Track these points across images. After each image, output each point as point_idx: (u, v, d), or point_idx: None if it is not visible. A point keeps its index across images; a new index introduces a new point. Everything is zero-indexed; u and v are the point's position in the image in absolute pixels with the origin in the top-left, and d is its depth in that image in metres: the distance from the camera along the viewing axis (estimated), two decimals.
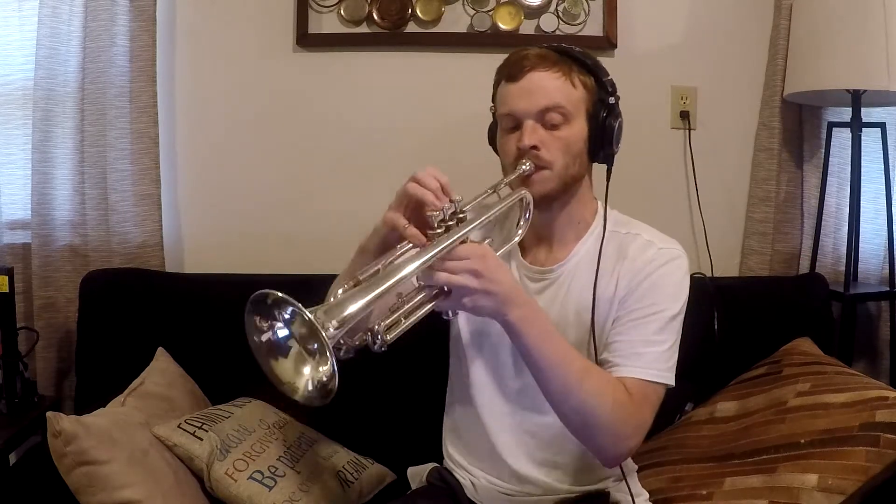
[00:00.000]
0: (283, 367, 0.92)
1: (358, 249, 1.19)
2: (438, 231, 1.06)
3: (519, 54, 1.24)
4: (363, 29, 2.00)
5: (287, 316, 0.89)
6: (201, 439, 1.45)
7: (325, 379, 0.89)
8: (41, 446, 1.40)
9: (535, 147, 1.20)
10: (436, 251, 1.04)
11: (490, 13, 1.99)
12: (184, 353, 1.71)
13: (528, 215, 1.23)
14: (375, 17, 1.98)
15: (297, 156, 2.04)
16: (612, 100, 1.24)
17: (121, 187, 1.91)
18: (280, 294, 0.88)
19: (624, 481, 1.27)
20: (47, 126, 1.89)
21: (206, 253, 2.04)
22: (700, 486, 1.48)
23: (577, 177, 1.26)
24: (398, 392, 1.73)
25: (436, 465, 1.42)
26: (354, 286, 1.00)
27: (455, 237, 1.06)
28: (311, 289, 1.74)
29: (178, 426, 1.47)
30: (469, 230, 1.10)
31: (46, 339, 1.91)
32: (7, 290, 1.72)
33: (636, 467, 1.40)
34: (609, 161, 1.27)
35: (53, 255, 1.93)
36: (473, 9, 1.99)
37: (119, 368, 1.67)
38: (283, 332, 0.90)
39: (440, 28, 2.00)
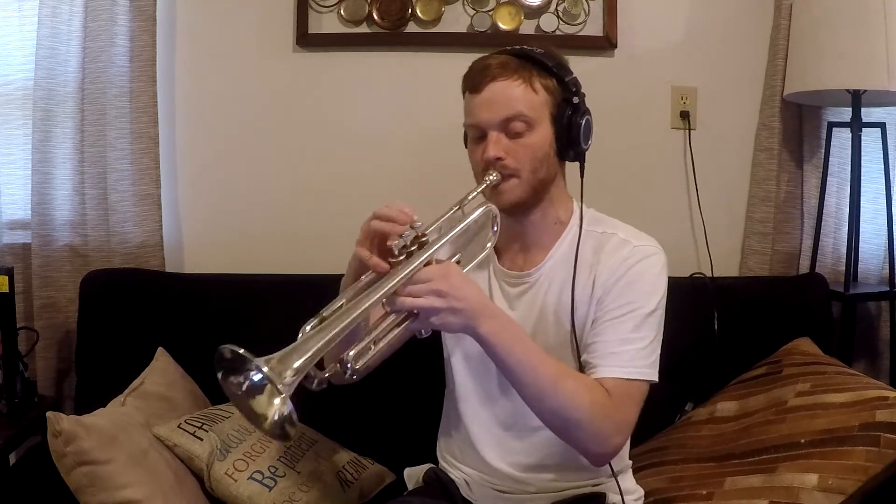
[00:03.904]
0: (258, 402, 0.94)
1: (340, 287, 1.20)
2: (401, 259, 1.07)
3: (481, 64, 1.25)
4: (363, 29, 2.00)
5: (250, 365, 0.90)
6: (201, 439, 1.45)
7: (285, 416, 0.91)
8: (41, 446, 1.40)
9: (499, 158, 1.21)
10: (396, 280, 1.05)
11: (490, 13, 1.99)
12: (184, 353, 1.71)
13: (495, 228, 1.24)
14: (375, 17, 1.98)
15: (297, 155, 2.04)
16: (576, 99, 1.24)
17: (121, 187, 1.91)
18: (234, 349, 0.90)
19: (615, 479, 1.27)
20: (47, 126, 1.89)
21: (206, 253, 2.04)
22: (700, 486, 1.48)
23: (547, 180, 1.26)
24: (398, 393, 1.73)
25: (432, 465, 1.43)
26: (319, 322, 1.02)
27: (416, 262, 1.07)
28: (311, 288, 1.75)
29: (178, 426, 1.47)
30: (431, 253, 1.10)
31: (46, 339, 1.91)
32: (7, 290, 1.72)
33: (630, 464, 1.40)
34: (581, 159, 1.28)
35: (53, 255, 1.93)
36: (473, 9, 2.00)
37: (119, 368, 1.67)
38: (258, 377, 0.92)
39: (440, 28, 2.00)
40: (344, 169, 2.03)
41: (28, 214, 1.92)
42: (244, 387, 0.93)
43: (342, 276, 1.23)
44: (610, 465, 1.25)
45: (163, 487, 1.34)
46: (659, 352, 1.22)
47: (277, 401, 0.91)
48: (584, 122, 1.25)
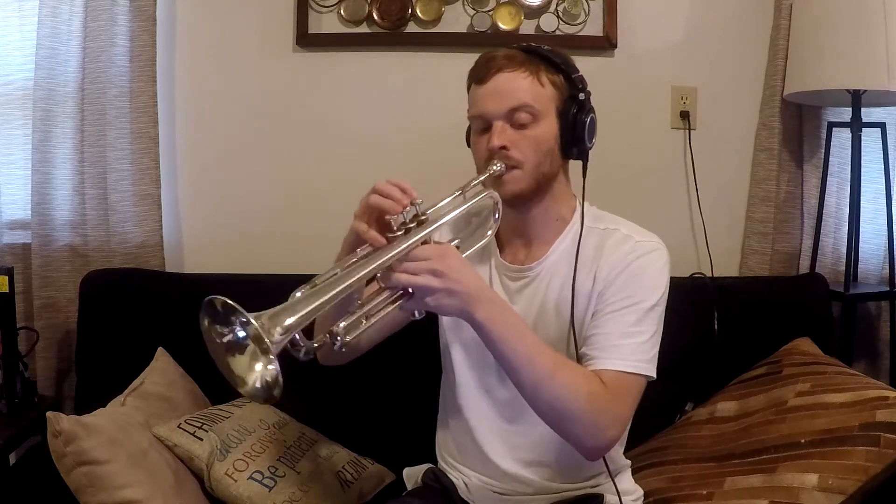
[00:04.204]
0: (238, 363, 0.94)
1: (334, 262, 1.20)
2: (399, 234, 1.07)
3: (487, 56, 1.25)
4: (363, 29, 2.00)
5: (240, 319, 0.91)
6: (201, 439, 1.45)
7: (269, 380, 0.91)
8: (41, 446, 1.40)
9: (504, 147, 1.21)
10: (392, 253, 1.04)
11: (490, 13, 1.99)
12: (184, 353, 1.71)
13: (496, 215, 1.24)
14: (375, 17, 1.98)
15: (296, 155, 2.04)
16: (582, 96, 1.24)
17: (121, 187, 1.91)
18: (226, 300, 0.90)
19: (613, 480, 1.27)
20: (47, 126, 1.89)
21: (206, 253, 2.04)
22: (700, 486, 1.48)
23: (550, 174, 1.26)
24: (398, 393, 1.73)
25: (431, 465, 1.43)
26: (311, 289, 1.02)
27: (413, 238, 1.07)
28: None
29: (178, 426, 1.47)
30: (429, 231, 1.10)
31: (46, 339, 1.91)
32: (7, 290, 1.72)
33: (629, 464, 1.40)
34: (584, 157, 1.27)
35: (53, 255, 1.93)
36: (473, 9, 2.00)
37: (119, 368, 1.67)
38: (241, 333, 0.92)
39: (440, 28, 2.00)
40: (344, 169, 2.03)
41: (28, 214, 1.92)
42: (229, 339, 0.92)
43: None
44: (606, 464, 1.25)
45: (163, 487, 1.34)
46: (658, 348, 1.21)
47: (264, 359, 0.90)
48: (588, 119, 1.25)
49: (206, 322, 0.93)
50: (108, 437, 1.32)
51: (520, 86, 1.21)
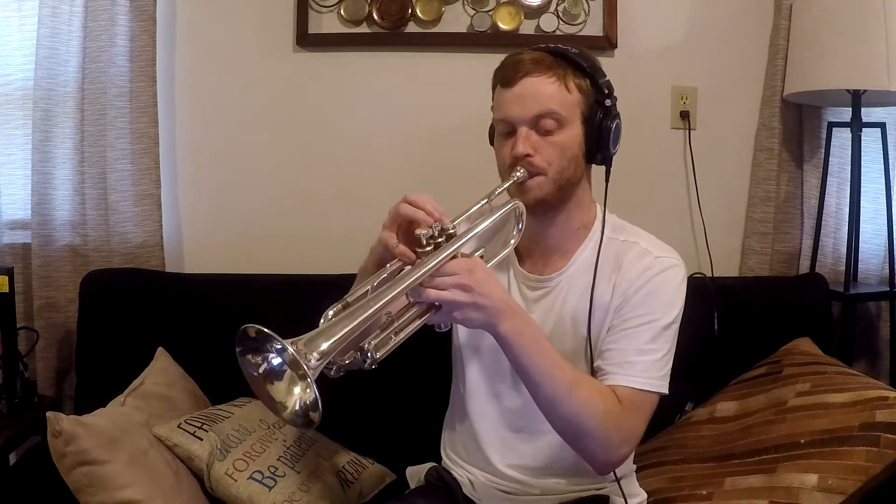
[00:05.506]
0: (277, 389, 0.94)
1: (358, 272, 1.19)
2: (428, 249, 1.07)
3: (514, 58, 1.24)
4: (363, 29, 2.00)
5: (276, 345, 0.90)
6: (201, 439, 1.45)
7: (308, 403, 0.91)
8: (41, 446, 1.40)
9: (528, 155, 1.20)
10: (423, 271, 1.04)
11: (490, 13, 1.99)
12: (184, 353, 1.71)
13: (520, 225, 1.23)
14: (375, 17, 1.98)
15: (296, 155, 2.04)
16: (608, 101, 1.23)
17: (121, 187, 1.91)
18: (262, 328, 0.90)
19: (619, 484, 1.27)
20: (47, 126, 1.89)
21: (206, 253, 2.04)
22: (700, 486, 1.48)
23: (574, 180, 1.25)
24: (398, 392, 1.73)
25: (434, 464, 1.43)
26: (343, 308, 1.02)
27: (443, 255, 1.06)
28: (311, 288, 1.75)
29: (178, 426, 1.47)
30: (458, 246, 1.09)
31: (46, 339, 1.91)
32: (7, 290, 1.72)
33: (634, 468, 1.40)
34: (607, 163, 1.27)
35: (53, 255, 1.93)
36: (473, 9, 2.00)
37: (119, 368, 1.67)
38: (276, 360, 0.92)
39: (440, 28, 2.00)
40: (344, 169, 2.03)
41: (28, 214, 1.92)
42: (266, 368, 0.92)
43: (342, 276, 1.23)
44: (613, 470, 1.25)
45: (163, 487, 1.34)
46: (671, 365, 1.22)
47: (301, 385, 0.91)
48: (614, 125, 1.24)
49: (240, 350, 0.93)
50: (108, 437, 1.32)
51: (546, 91, 1.20)
